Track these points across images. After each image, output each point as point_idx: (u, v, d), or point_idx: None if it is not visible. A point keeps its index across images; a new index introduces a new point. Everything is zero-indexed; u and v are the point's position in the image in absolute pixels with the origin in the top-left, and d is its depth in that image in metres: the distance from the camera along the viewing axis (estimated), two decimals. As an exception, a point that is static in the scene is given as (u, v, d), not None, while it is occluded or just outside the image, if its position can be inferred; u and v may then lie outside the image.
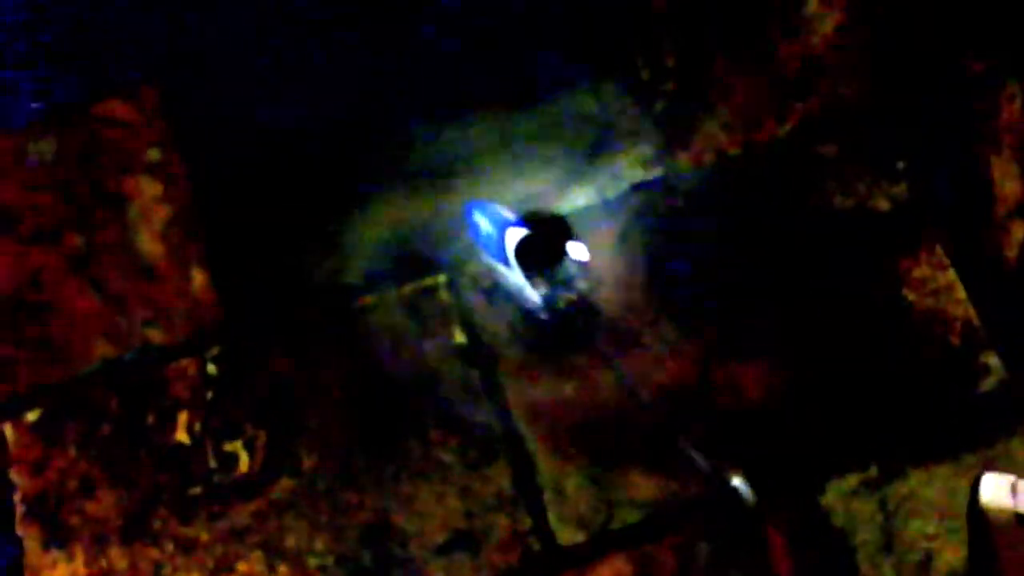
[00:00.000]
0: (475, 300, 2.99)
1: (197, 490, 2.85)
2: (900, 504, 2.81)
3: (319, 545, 2.82)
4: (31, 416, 2.90)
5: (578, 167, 3.12)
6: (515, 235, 2.85)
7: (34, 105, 3.15)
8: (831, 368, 2.91)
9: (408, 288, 3.01)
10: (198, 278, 3.01)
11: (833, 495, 2.82)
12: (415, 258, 3.04)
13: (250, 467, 2.87)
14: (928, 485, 2.82)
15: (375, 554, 2.81)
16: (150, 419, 2.89)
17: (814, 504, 2.81)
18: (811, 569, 2.74)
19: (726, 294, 2.98)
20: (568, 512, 2.84)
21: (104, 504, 2.85)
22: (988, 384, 2.89)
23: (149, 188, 3.09)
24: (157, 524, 2.83)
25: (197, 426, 2.89)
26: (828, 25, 3.24)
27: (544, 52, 3.23)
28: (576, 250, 2.90)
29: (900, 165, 3.08)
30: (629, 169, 3.12)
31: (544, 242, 2.85)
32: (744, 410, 2.88)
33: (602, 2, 3.27)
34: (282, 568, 2.80)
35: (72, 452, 2.88)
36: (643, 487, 2.84)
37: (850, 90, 3.18)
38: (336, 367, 2.94)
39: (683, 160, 3.11)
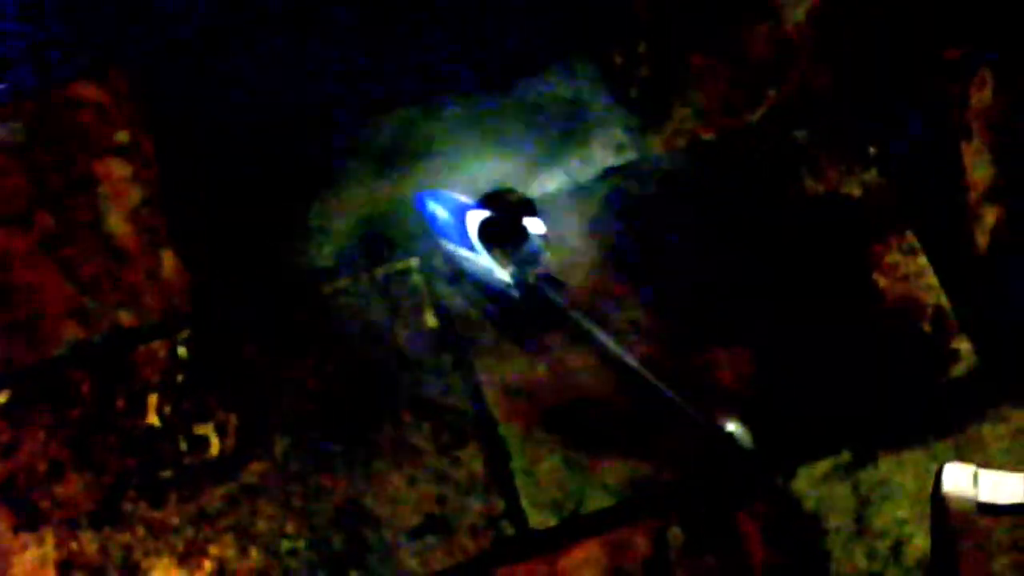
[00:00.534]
0: (443, 286, 2.99)
1: (168, 473, 2.84)
2: (872, 489, 2.82)
3: (291, 528, 2.81)
4: (0, 398, 2.87)
5: (550, 151, 3.12)
6: (476, 217, 2.84)
7: (2, 86, 3.13)
8: (803, 353, 2.92)
9: (380, 271, 3.00)
10: (168, 260, 2.99)
11: (805, 481, 2.83)
12: (387, 241, 3.04)
13: (221, 450, 2.85)
14: (900, 470, 2.83)
15: (347, 538, 2.80)
16: (120, 402, 2.87)
17: (787, 489, 2.82)
18: (784, 554, 2.75)
19: (698, 279, 2.98)
20: (541, 496, 2.84)
21: (74, 487, 2.83)
22: (959, 370, 2.90)
23: (119, 170, 3.06)
24: (127, 507, 2.82)
25: (167, 409, 2.88)
26: (801, 11, 3.25)
27: (516, 37, 3.22)
28: (534, 225, 2.89)
29: (871, 151, 3.09)
30: (602, 153, 3.12)
31: (506, 221, 2.84)
32: (715, 394, 2.88)
33: (576, -14, 3.28)
34: (253, 552, 2.79)
35: (42, 435, 2.85)
36: (617, 471, 2.84)
37: (822, 76, 3.19)
38: (308, 350, 2.93)
39: (656, 145, 3.11)
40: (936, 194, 3.06)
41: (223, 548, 2.79)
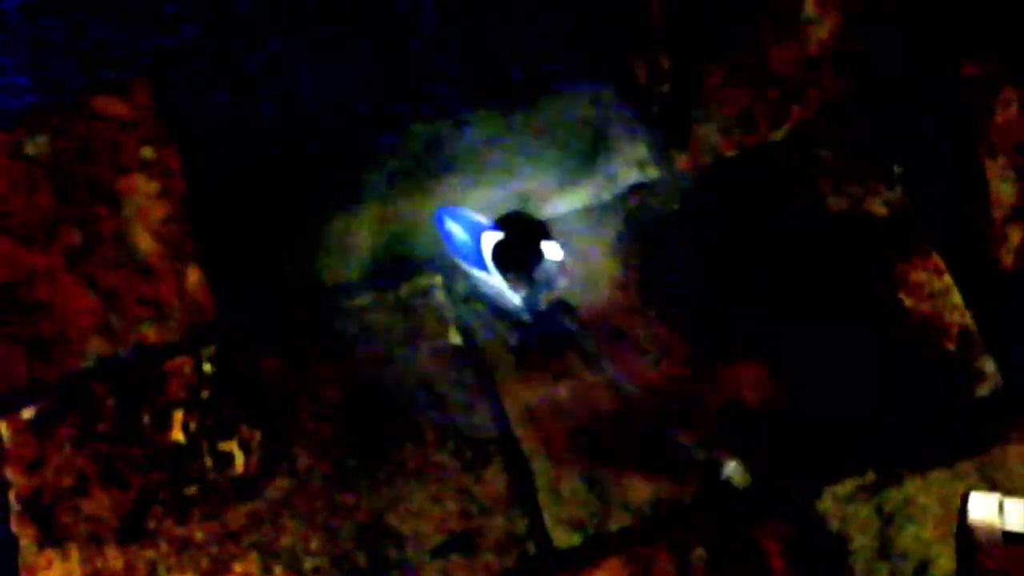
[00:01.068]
0: (464, 305, 3.00)
1: (193, 490, 2.86)
2: (897, 510, 2.83)
3: (314, 546, 2.82)
4: (26, 414, 2.89)
5: (575, 168, 3.13)
6: (491, 239, 2.85)
7: (29, 100, 3.15)
8: (828, 372, 2.93)
9: (404, 288, 3.02)
10: (193, 276, 3.01)
11: (829, 500, 2.83)
12: (411, 258, 3.05)
13: (245, 467, 2.87)
14: (925, 491, 2.84)
15: (370, 555, 2.82)
16: (146, 418, 2.89)
17: (811, 509, 2.83)
18: (808, 574, 2.76)
19: (723, 296, 2.99)
20: (564, 514, 2.85)
21: (99, 503, 2.85)
22: (984, 389, 2.91)
23: (144, 185, 3.09)
24: (152, 524, 2.83)
25: (192, 425, 2.89)
26: (824, 29, 3.26)
27: (540, 54, 3.24)
28: (551, 250, 2.90)
29: (896, 169, 3.10)
30: (625, 171, 3.13)
31: (521, 244, 2.84)
32: (740, 412, 2.89)
33: (599, 7, 3.28)
34: (277, 569, 2.80)
35: (68, 450, 2.87)
36: (639, 489, 2.85)
37: (846, 94, 3.20)
38: (332, 367, 2.94)
39: (680, 162, 3.13)
40: (961, 213, 3.07)
41: (247, 565, 2.81)
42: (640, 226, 3.06)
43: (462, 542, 2.83)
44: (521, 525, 2.84)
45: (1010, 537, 2.60)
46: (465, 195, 3.09)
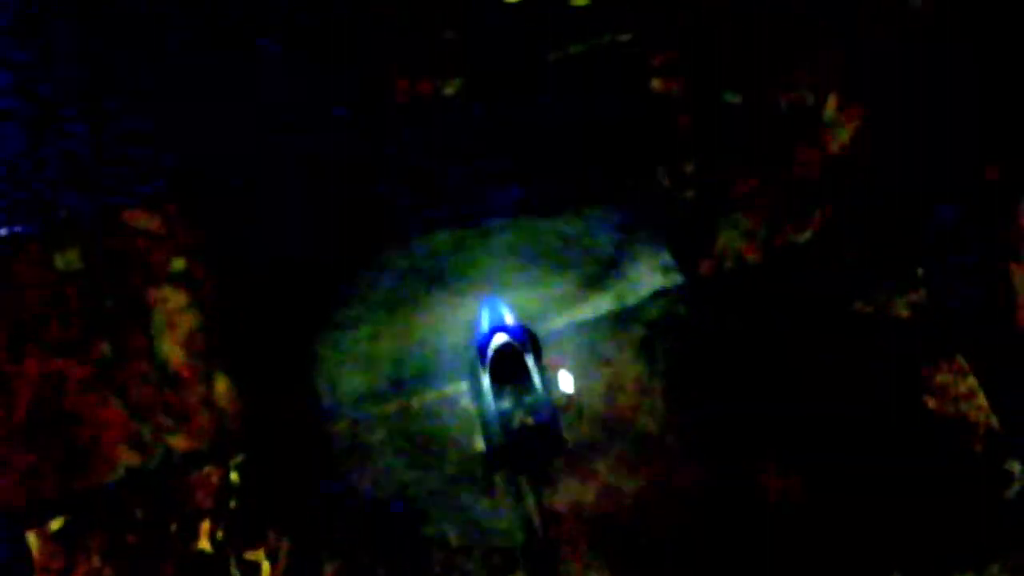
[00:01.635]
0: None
1: (219, 599, 2.89)
2: (925, 613, 2.84)
3: (341, 655, 2.85)
4: (55, 525, 2.94)
5: (599, 273, 3.18)
6: (498, 340, 2.88)
7: (61, 214, 3.23)
8: (853, 475, 2.94)
9: (430, 395, 3.06)
10: (221, 386, 3.07)
11: (857, 604, 2.84)
12: (437, 366, 3.09)
13: (272, 576, 2.91)
14: (953, 594, 2.84)
15: (397, 664, 2.84)
16: (173, 527, 2.93)
17: (838, 613, 2.83)
18: None
19: (747, 400, 3.02)
20: (591, 621, 2.86)
21: (127, 613, 2.89)
22: (1011, 492, 2.92)
23: (174, 297, 3.15)
24: (179, 634, 2.87)
25: (220, 534, 2.93)
26: (846, 133, 3.31)
27: (565, 161, 3.30)
28: (563, 380, 2.94)
29: (919, 271, 3.13)
30: (649, 275, 3.18)
31: (509, 356, 2.86)
32: (764, 515, 2.91)
33: (624, 114, 3.35)
34: None
35: (96, 561, 2.91)
36: (666, 596, 2.87)
37: (868, 197, 3.24)
38: (359, 474, 2.98)
39: (704, 267, 3.17)
40: (985, 315, 3.09)
41: (274, 674, 2.83)
42: (664, 331, 3.10)
43: (489, 650, 2.85)
44: (548, 632, 2.86)
45: None
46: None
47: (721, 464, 2.96)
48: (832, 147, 3.29)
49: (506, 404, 2.88)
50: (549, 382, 3.01)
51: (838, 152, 3.28)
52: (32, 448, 3.01)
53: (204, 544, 2.92)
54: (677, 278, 3.15)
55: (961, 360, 3.02)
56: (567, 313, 3.12)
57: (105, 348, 3.10)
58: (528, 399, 2.88)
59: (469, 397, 3.05)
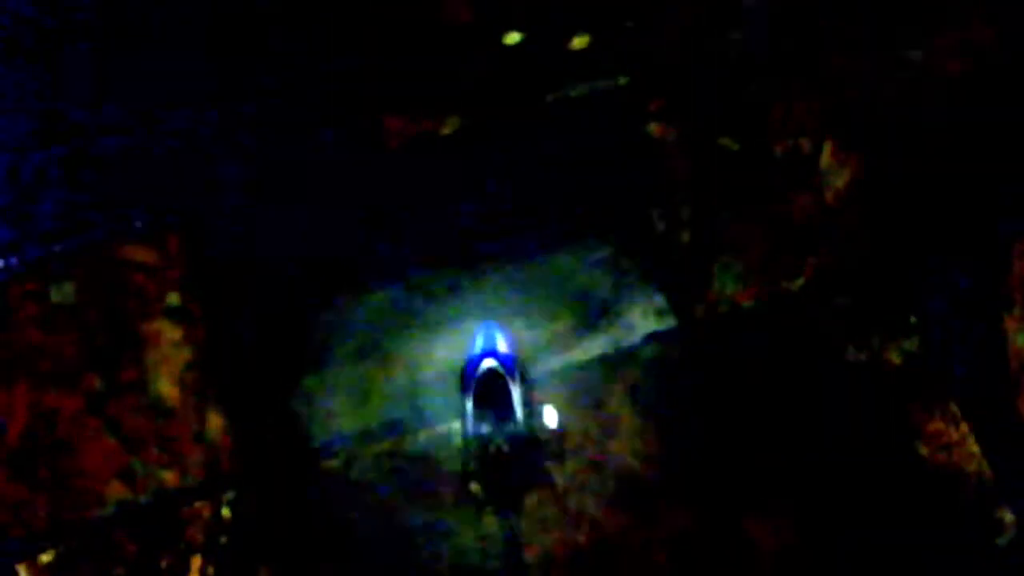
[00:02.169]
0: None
1: (209, 635, 2.90)
2: (915, 660, 2.85)
3: None
4: (45, 558, 2.95)
5: (593, 314, 3.20)
6: (484, 365, 2.90)
7: (57, 247, 3.25)
8: (846, 522, 2.96)
9: (423, 435, 3.08)
10: (214, 421, 3.08)
11: (848, 650, 2.86)
12: (432, 406, 3.11)
13: (262, 613, 2.92)
14: (943, 641, 2.86)
15: None
16: (164, 563, 2.94)
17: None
18: None
19: (740, 445, 3.04)
20: (581, 663, 2.87)
21: (115, 648, 2.89)
22: (1003, 540, 2.94)
23: (169, 332, 3.17)
24: (168, 669, 2.88)
25: (211, 570, 2.94)
26: (841, 180, 3.34)
27: (560, 202, 3.33)
28: (548, 415, 2.97)
29: (912, 319, 3.16)
30: (643, 319, 3.20)
31: (501, 383, 2.88)
32: (756, 564, 2.93)
33: (620, 157, 3.38)
34: None
35: (85, 594, 2.93)
36: (656, 639, 2.88)
37: (863, 244, 3.27)
38: (352, 513, 2.99)
39: (698, 311, 3.20)
40: (977, 363, 3.12)
41: None
42: (658, 374, 3.12)
43: None
44: (537, 674, 2.87)
45: None
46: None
47: (710, 508, 2.98)
48: (827, 194, 3.32)
49: (485, 428, 2.91)
50: (533, 414, 3.03)
51: (833, 200, 3.31)
52: (23, 480, 3.02)
53: (194, 579, 2.94)
54: (671, 321, 3.18)
55: (954, 407, 3.05)
56: (561, 354, 3.14)
57: (98, 381, 3.12)
58: (507, 427, 2.90)
59: (461, 437, 3.07)
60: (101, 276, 3.24)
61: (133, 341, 3.17)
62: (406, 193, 3.35)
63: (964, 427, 3.04)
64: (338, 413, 3.10)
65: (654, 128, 3.42)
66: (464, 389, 2.95)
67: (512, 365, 2.92)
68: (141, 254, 3.27)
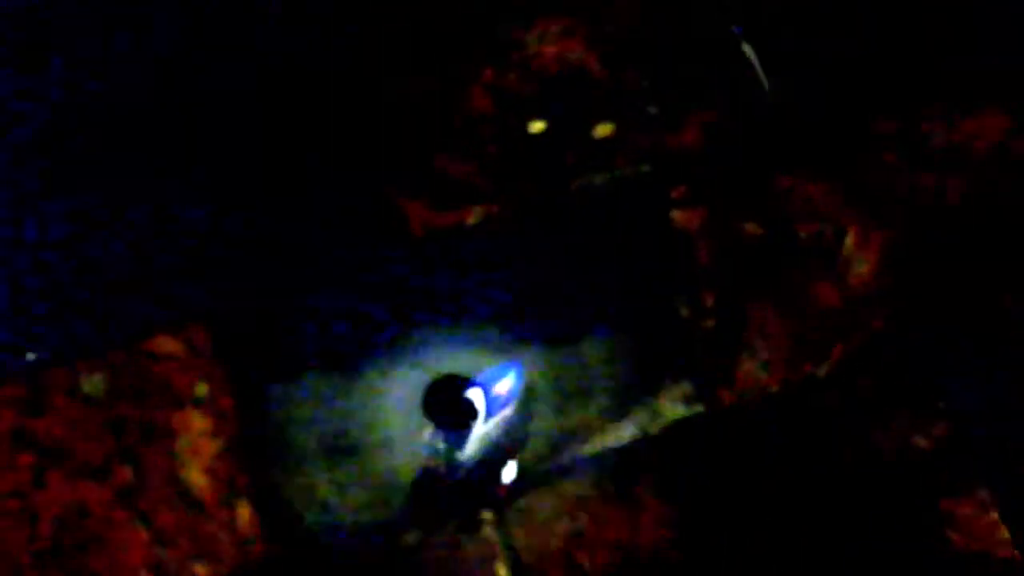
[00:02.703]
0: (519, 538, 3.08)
1: None
2: None
3: None
4: (77, 651, 2.97)
5: (620, 403, 3.23)
6: (469, 392, 2.90)
7: (86, 340, 3.30)
8: (877, 609, 2.98)
9: (452, 524, 3.10)
10: (244, 513, 3.11)
11: None
12: (463, 493, 3.14)
13: None
14: None
15: None
16: (195, 655, 2.97)
17: None
18: None
19: (768, 531, 3.06)
20: None
21: None
22: (1035, 626, 2.96)
23: (198, 422, 3.21)
24: None
25: (242, 663, 2.97)
26: (865, 266, 3.38)
27: (585, 290, 3.36)
28: (508, 471, 3.02)
29: (940, 404, 3.19)
30: (670, 405, 3.23)
31: (472, 414, 2.88)
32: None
33: (644, 243, 3.42)
34: None
35: None
36: None
37: (888, 328, 3.30)
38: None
39: (725, 397, 3.23)
40: (1006, 447, 3.14)
41: None
42: (684, 461, 3.15)
43: None
44: None
45: None
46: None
47: (743, 596, 3.00)
48: (851, 280, 3.36)
49: (440, 446, 2.94)
50: (495, 462, 3.07)
51: (857, 285, 3.35)
52: (55, 573, 3.05)
53: (226, 672, 2.96)
54: (699, 407, 3.21)
55: (984, 493, 3.07)
56: (590, 441, 3.17)
57: (128, 473, 3.15)
58: (458, 456, 2.94)
59: (493, 527, 3.09)
60: (131, 367, 3.28)
61: (163, 432, 3.20)
62: (431, 280, 3.39)
63: (995, 514, 3.06)
64: (366, 502, 3.12)
65: (677, 215, 3.46)
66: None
67: (493, 408, 2.93)
68: (168, 346, 3.32)
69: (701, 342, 3.31)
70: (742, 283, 3.38)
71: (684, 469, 3.14)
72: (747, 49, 3.63)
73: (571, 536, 3.05)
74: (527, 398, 3.15)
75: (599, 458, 3.17)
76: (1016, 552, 3.01)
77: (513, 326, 3.34)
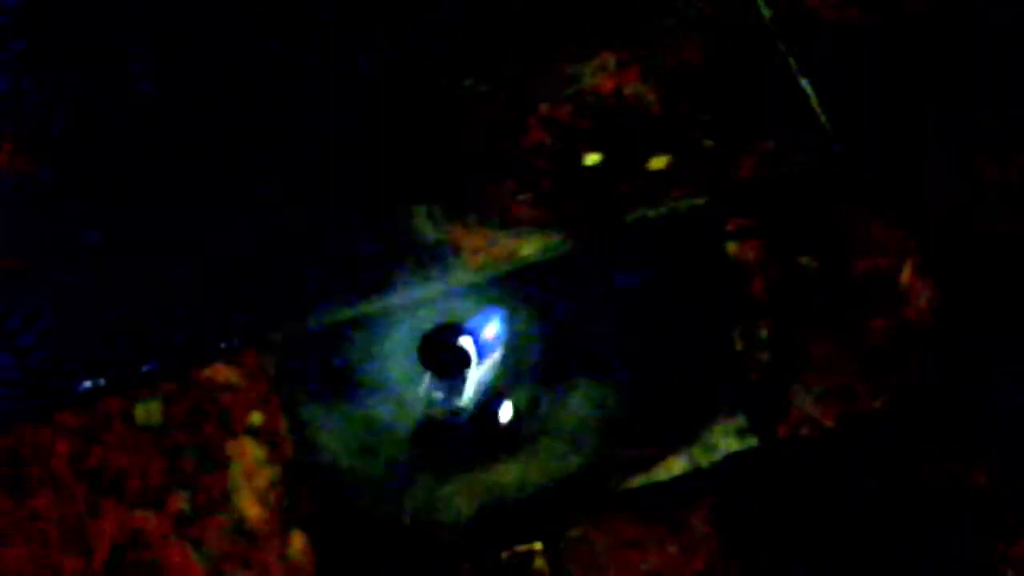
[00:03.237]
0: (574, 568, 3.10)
1: None
2: None
3: None
4: None
5: (671, 435, 3.24)
6: (460, 339, 3.00)
7: (145, 368, 3.36)
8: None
9: (505, 554, 3.12)
10: (297, 542, 3.15)
11: None
12: (513, 523, 3.16)
13: None
14: None
15: None
16: None
17: None
18: None
19: (821, 568, 3.06)
20: None
21: None
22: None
23: (252, 450, 3.25)
24: None
25: None
26: (922, 298, 3.38)
27: (638, 323, 3.38)
28: (505, 410, 3.11)
29: (994, 440, 3.18)
30: (723, 439, 3.24)
31: (465, 361, 2.99)
32: None
33: (697, 276, 3.44)
34: None
35: None
36: None
37: (945, 362, 3.30)
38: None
39: (780, 431, 3.24)
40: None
41: None
42: (739, 496, 3.16)
43: None
44: None
45: None
46: (561, 464, 3.21)
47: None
48: (908, 312, 3.36)
49: (436, 395, 3.02)
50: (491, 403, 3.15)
51: (915, 319, 3.35)
52: (109, 600, 3.10)
53: None
54: (752, 441, 3.22)
55: (1042, 532, 3.07)
56: (642, 474, 3.18)
57: (183, 501, 3.20)
58: (456, 401, 3.01)
59: (543, 558, 3.11)
60: (187, 395, 3.33)
61: (217, 461, 3.25)
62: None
63: (1053, 553, 3.05)
64: (420, 531, 3.15)
65: (733, 247, 3.48)
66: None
67: (484, 351, 3.03)
68: (224, 373, 3.36)
69: (755, 375, 3.32)
70: (797, 316, 3.39)
71: (737, 503, 3.15)
72: (804, 82, 3.64)
73: (624, 568, 3.07)
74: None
75: (651, 490, 3.18)
76: (1074, 591, 3.01)
77: (565, 360, 3.36)
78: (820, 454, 3.20)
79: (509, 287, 3.43)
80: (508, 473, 3.20)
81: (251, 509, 3.19)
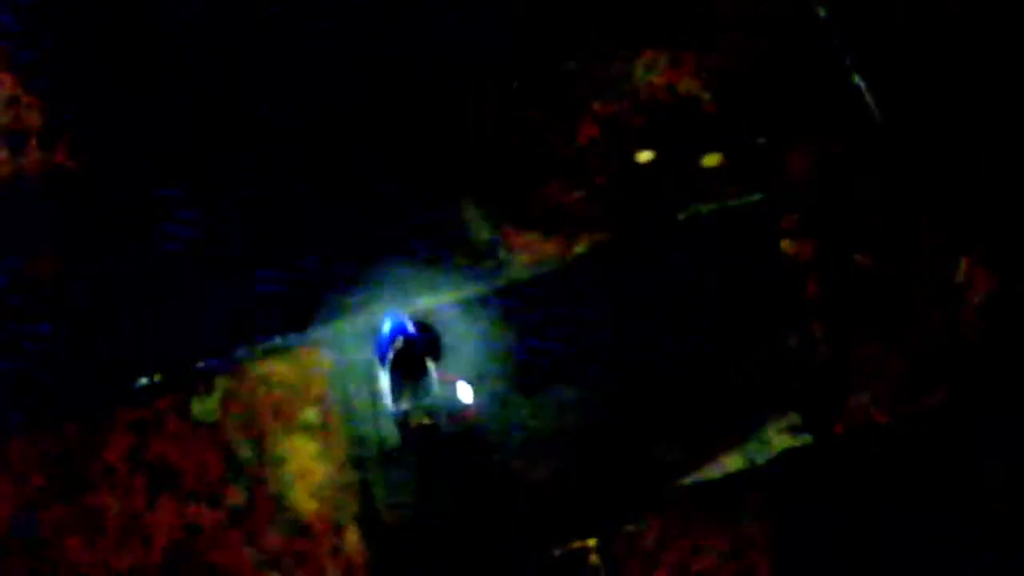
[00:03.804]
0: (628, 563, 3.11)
1: None
2: None
3: None
4: (187, 670, 3.05)
5: (727, 431, 3.25)
6: (397, 343, 3.01)
7: (200, 365, 3.39)
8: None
9: (558, 550, 3.14)
10: (351, 538, 3.18)
11: None
12: (566, 519, 3.17)
13: None
14: None
15: None
16: (302, 677, 3.03)
17: None
18: None
19: (875, 566, 3.05)
20: None
21: None
22: None
23: (306, 447, 3.29)
24: None
25: None
26: (978, 294, 3.37)
27: (693, 319, 3.39)
28: (462, 390, 3.09)
29: (1055, 437, 3.17)
30: (778, 436, 3.24)
31: (416, 357, 2.99)
32: None
33: (753, 273, 3.44)
34: None
35: None
36: None
37: (1001, 361, 3.29)
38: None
39: (836, 428, 3.23)
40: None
41: None
42: (793, 492, 3.16)
43: None
44: None
45: None
46: (610, 460, 3.22)
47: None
48: (965, 310, 3.35)
49: (404, 405, 3.03)
50: (447, 390, 3.14)
51: (970, 314, 3.34)
52: (166, 593, 3.13)
53: None
54: (806, 438, 3.22)
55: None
56: (698, 470, 3.19)
57: (238, 496, 3.23)
58: (426, 400, 3.02)
59: (597, 553, 3.12)
60: (242, 390, 3.36)
61: (273, 457, 3.28)
62: (535, 321, 3.44)
63: (1110, 547, 3.04)
64: (479, 525, 3.17)
65: (787, 244, 3.48)
66: (379, 368, 3.07)
67: (424, 340, 3.05)
68: (280, 369, 3.40)
69: (810, 372, 3.32)
70: (852, 314, 3.39)
71: (791, 499, 3.15)
72: (857, 78, 3.65)
73: (677, 565, 3.07)
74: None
75: (706, 486, 3.19)
76: None
77: (621, 355, 3.38)
78: (875, 450, 3.19)
79: (562, 284, 3.45)
80: (558, 470, 3.21)
81: (305, 504, 3.22)
